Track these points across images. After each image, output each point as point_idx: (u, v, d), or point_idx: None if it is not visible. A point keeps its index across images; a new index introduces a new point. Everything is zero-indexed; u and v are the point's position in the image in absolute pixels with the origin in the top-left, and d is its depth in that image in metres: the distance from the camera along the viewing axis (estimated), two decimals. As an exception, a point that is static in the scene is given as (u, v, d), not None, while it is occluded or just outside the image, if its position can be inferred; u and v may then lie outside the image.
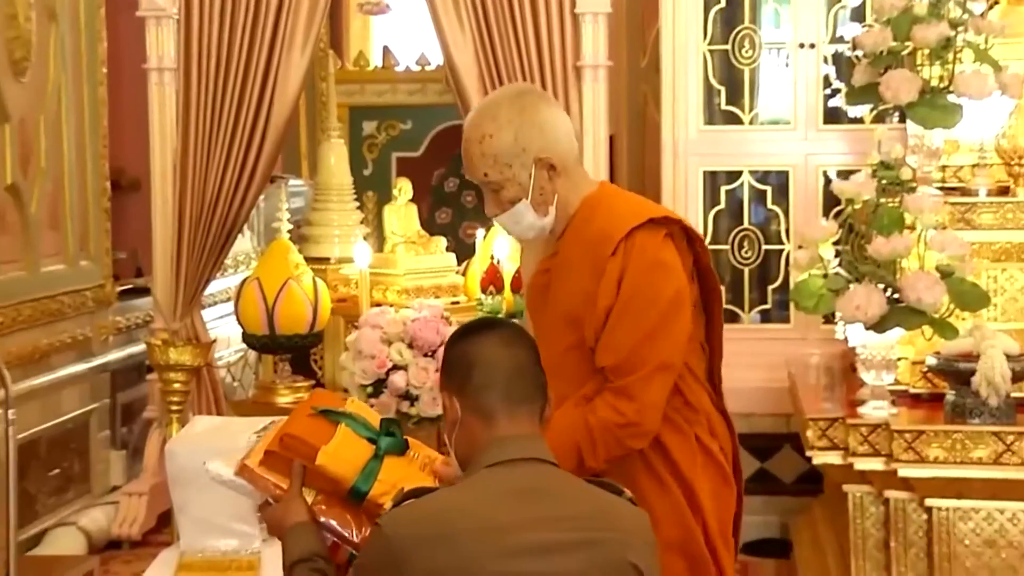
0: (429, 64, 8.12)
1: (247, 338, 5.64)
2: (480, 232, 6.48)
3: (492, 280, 5.15)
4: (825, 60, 5.97)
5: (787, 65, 6.00)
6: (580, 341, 2.83)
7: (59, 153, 6.14)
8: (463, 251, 6.40)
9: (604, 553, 2.24)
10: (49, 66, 6.02)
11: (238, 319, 5.59)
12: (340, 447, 2.53)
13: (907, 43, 4.77)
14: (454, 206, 8.01)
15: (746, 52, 6.01)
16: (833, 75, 5.98)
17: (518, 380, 2.36)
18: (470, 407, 2.35)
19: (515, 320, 4.57)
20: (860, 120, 5.73)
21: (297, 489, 2.54)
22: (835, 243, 4.65)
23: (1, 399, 3.50)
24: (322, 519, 2.52)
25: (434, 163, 8.08)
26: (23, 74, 5.79)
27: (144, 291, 6.76)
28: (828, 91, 5.98)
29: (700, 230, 6.05)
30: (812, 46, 5.95)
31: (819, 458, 4.46)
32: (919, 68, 4.82)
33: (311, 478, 2.54)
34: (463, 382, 2.36)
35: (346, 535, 2.52)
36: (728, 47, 6.02)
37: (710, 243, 6.00)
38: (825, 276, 4.73)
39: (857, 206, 4.55)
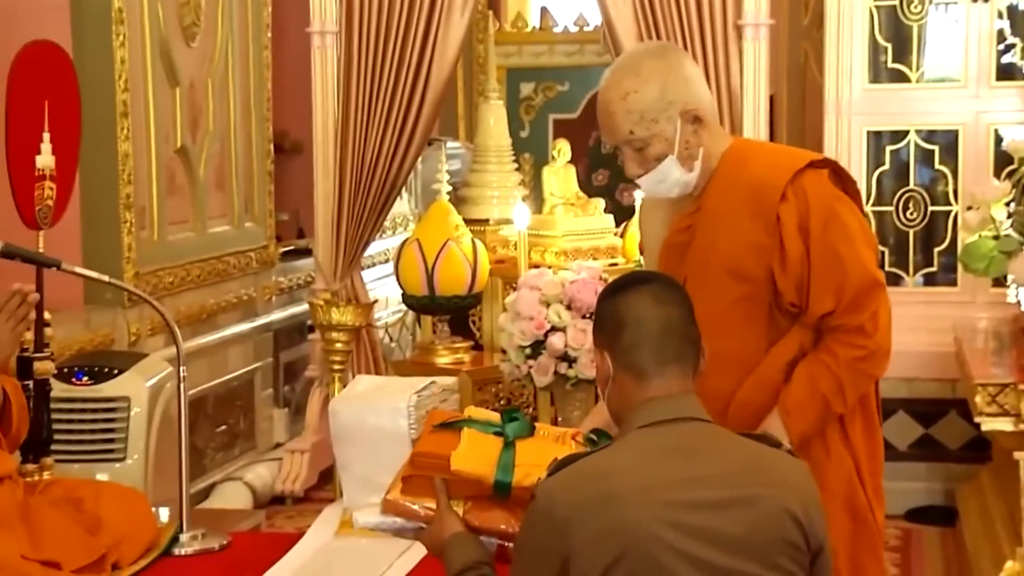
0: (587, 25, 8.07)
1: (407, 299, 5.68)
2: (637, 194, 6.43)
3: (651, 241, 5.10)
4: (1000, 15, 5.79)
5: (957, 21, 5.83)
6: (748, 294, 2.82)
7: (226, 116, 6.25)
8: (620, 213, 6.36)
9: (761, 508, 2.21)
10: (217, 31, 6.12)
11: (398, 280, 5.63)
12: (469, 448, 2.53)
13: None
14: (611, 168, 7.95)
15: (915, 7, 5.85)
16: (1008, 30, 5.80)
17: (669, 338, 2.34)
18: (621, 365, 2.34)
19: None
20: (1036, 77, 5.58)
21: (445, 504, 2.53)
22: (1007, 204, 4.52)
23: (174, 356, 3.58)
24: (477, 524, 2.52)
25: (591, 125, 7.94)
26: (193, 39, 5.90)
27: (306, 252, 6.86)
28: (1002, 47, 5.80)
29: (863, 192, 5.95)
30: (985, 0, 5.77)
31: (988, 424, 4.37)
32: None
33: (454, 489, 2.53)
34: (614, 339, 2.35)
35: (506, 531, 2.51)
36: (896, 2, 5.88)
37: (873, 204, 5.90)
38: (996, 238, 4.61)
39: (1032, 165, 4.42)
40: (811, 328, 2.83)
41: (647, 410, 2.31)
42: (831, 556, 2.31)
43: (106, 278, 3.77)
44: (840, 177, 2.90)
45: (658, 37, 5.41)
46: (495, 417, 2.63)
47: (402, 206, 7.29)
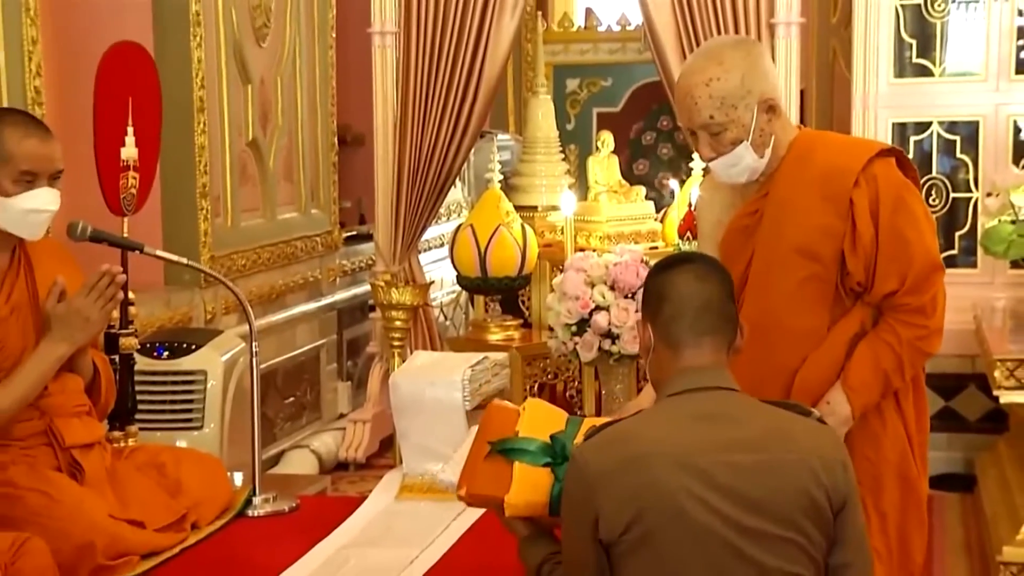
0: (629, 24, 8.04)
1: (461, 280, 5.69)
2: (673, 182, 6.42)
3: (689, 227, 5.09)
4: (1019, 13, 5.73)
5: (978, 18, 5.77)
6: (817, 273, 2.81)
7: (293, 111, 6.27)
8: (659, 200, 6.34)
9: (783, 472, 2.21)
10: (286, 32, 6.14)
11: (453, 263, 5.65)
12: (521, 489, 2.51)
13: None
14: (651, 158, 7.94)
15: (938, 6, 5.79)
16: (1028, 26, 5.75)
17: (705, 313, 2.35)
18: (660, 336, 2.37)
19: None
20: (1054, 71, 5.51)
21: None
22: (1026, 190, 4.48)
23: (246, 333, 3.61)
24: (544, 522, 2.53)
25: (633, 118, 8.02)
26: (263, 40, 5.92)
27: (367, 237, 6.88)
28: (1021, 42, 5.74)
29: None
30: (1007, -1, 5.72)
31: (1006, 397, 4.34)
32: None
33: None
34: (656, 313, 2.38)
35: None
36: (920, 1, 5.82)
37: (898, 191, 5.83)
38: (1014, 222, 4.57)
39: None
40: (873, 307, 2.83)
41: (679, 379, 2.33)
42: (859, 510, 2.29)
43: (184, 261, 3.80)
44: (904, 165, 2.90)
45: (695, 36, 5.39)
46: (553, 420, 2.58)
47: (456, 194, 7.30)
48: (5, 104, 4.12)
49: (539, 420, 2.59)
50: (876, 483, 2.81)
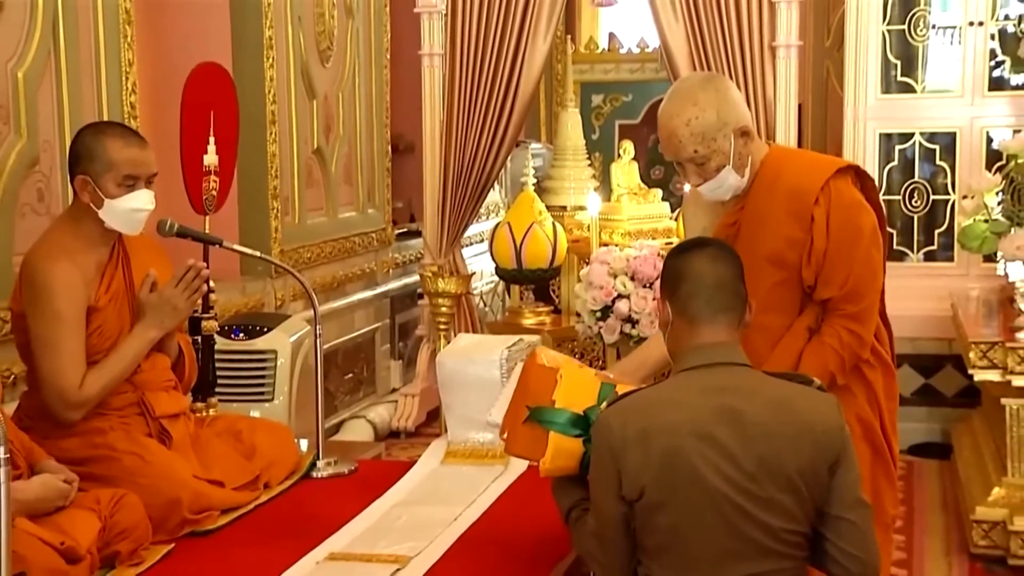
0: (647, 47, 8.00)
1: (499, 271, 5.69)
2: (687, 186, 6.37)
3: (699, 225, 5.07)
4: (992, 37, 5.69)
5: (957, 42, 5.72)
6: (785, 278, 2.80)
7: (352, 123, 6.28)
8: (674, 201, 6.31)
9: (786, 438, 2.19)
10: (346, 53, 6.15)
11: (492, 256, 5.64)
12: (555, 455, 2.50)
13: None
14: (666, 164, 7.88)
15: (920, 31, 5.75)
16: (999, 49, 5.70)
17: (719, 291, 2.31)
18: (678, 311, 2.33)
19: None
20: (1022, 88, 5.48)
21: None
22: (997, 193, 4.43)
23: (311, 317, 3.61)
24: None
25: (651, 129, 7.97)
26: (327, 60, 5.94)
27: (416, 233, 6.88)
28: (993, 63, 5.69)
29: (876, 184, 5.86)
30: (980, 24, 5.66)
31: (980, 376, 4.31)
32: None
33: None
34: (674, 289, 2.34)
35: None
36: (904, 27, 5.78)
37: (884, 194, 5.81)
38: (987, 221, 4.53)
39: (1020, 160, 4.32)
40: (820, 306, 2.82)
41: (695, 354, 2.29)
42: (851, 467, 2.27)
43: (258, 254, 3.82)
44: (860, 177, 2.87)
45: (706, 57, 5.36)
46: (588, 385, 2.55)
47: (494, 196, 7.29)
48: (106, 117, 4.14)
49: (575, 389, 2.55)
50: None
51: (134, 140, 3.13)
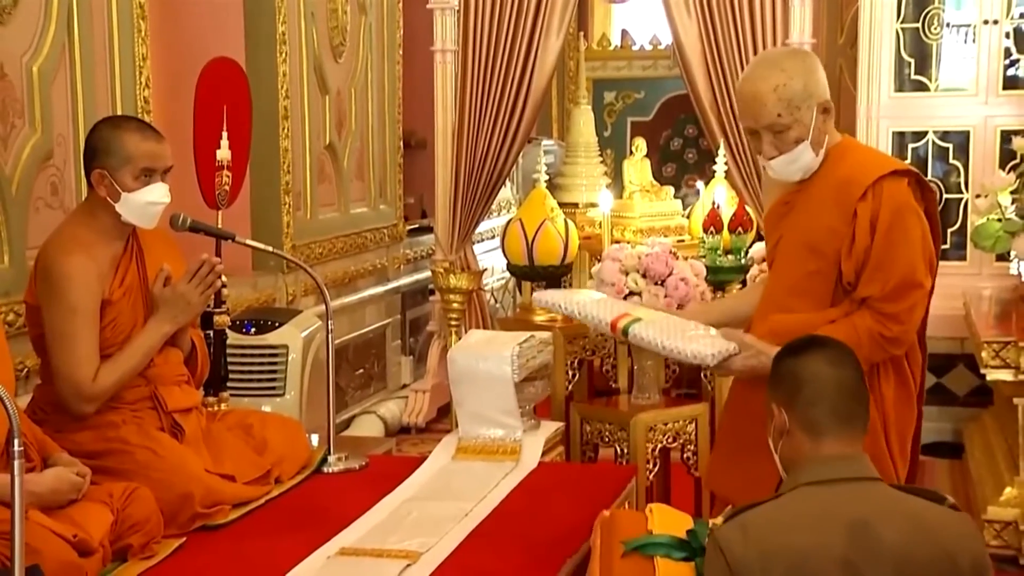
0: (660, 44, 7.99)
1: (511, 267, 5.66)
2: (699, 183, 6.38)
3: (712, 222, 5.04)
4: (1007, 35, 5.67)
5: (972, 40, 5.70)
6: (821, 268, 2.78)
7: (365, 118, 6.29)
8: (686, 199, 6.31)
9: (921, 567, 2.01)
10: (359, 49, 6.16)
11: (503, 252, 5.62)
12: None
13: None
14: (678, 162, 7.92)
15: (934, 29, 5.74)
16: (1013, 48, 5.67)
17: (845, 398, 2.15)
18: (798, 420, 2.15)
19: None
20: (1036, 86, 5.44)
21: None
22: (1011, 192, 4.42)
23: (323, 312, 3.62)
24: None
25: (662, 126, 7.99)
26: (340, 56, 5.95)
27: (427, 229, 6.89)
28: (1007, 61, 5.68)
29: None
30: (995, 22, 5.65)
31: (992, 375, 4.29)
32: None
33: None
34: (792, 395, 2.17)
35: None
36: (918, 24, 5.77)
37: (897, 192, 5.81)
38: (1000, 220, 4.51)
39: (1034, 160, 4.32)
40: (857, 304, 2.77)
41: (819, 467, 2.11)
42: None
43: (270, 248, 3.82)
44: (920, 185, 2.82)
45: (719, 55, 5.34)
46: (683, 521, 2.41)
47: (506, 192, 7.29)
48: (120, 111, 4.15)
49: (668, 521, 2.43)
50: None
51: (151, 134, 3.14)
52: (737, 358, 2.77)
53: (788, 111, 2.73)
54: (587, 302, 3.23)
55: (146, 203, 3.10)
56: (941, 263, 5.74)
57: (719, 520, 2.15)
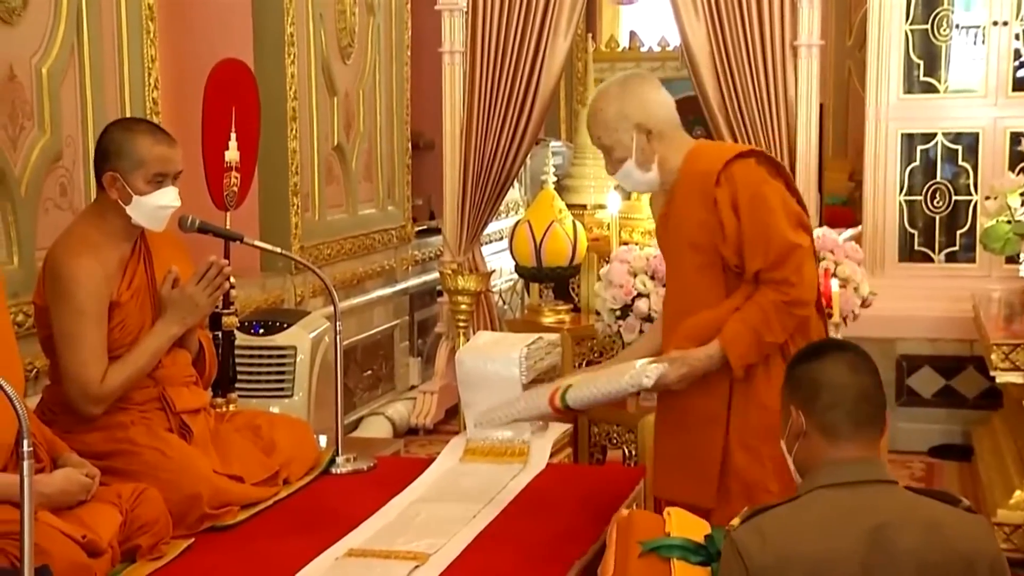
0: (668, 45, 7.95)
1: (519, 269, 5.68)
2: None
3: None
4: (1017, 37, 5.66)
5: (982, 42, 5.70)
6: (705, 262, 2.95)
7: (373, 120, 6.29)
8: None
9: (937, 567, 2.00)
10: (367, 50, 6.16)
11: (512, 254, 5.63)
12: None
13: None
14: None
15: (943, 30, 5.73)
16: (1022, 49, 5.67)
17: (864, 403, 2.14)
18: (816, 424, 2.15)
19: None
20: (1047, 88, 5.44)
21: None
22: (1021, 194, 4.41)
23: (331, 314, 3.62)
24: None
25: (670, 127, 7.96)
26: (348, 58, 5.95)
27: (436, 231, 6.89)
28: (1017, 63, 5.66)
29: (896, 184, 5.85)
30: (1005, 23, 5.64)
31: (1002, 377, 4.27)
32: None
33: None
34: (811, 400, 2.16)
35: None
36: (927, 26, 5.76)
37: (905, 195, 5.84)
38: (1010, 222, 4.50)
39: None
40: (753, 283, 2.92)
41: (835, 470, 2.11)
42: None
43: (278, 250, 3.82)
44: (769, 161, 3.00)
45: (727, 57, 5.34)
46: (701, 527, 2.41)
47: (514, 194, 7.29)
48: (129, 113, 4.16)
49: (686, 525, 2.43)
50: (771, 432, 2.57)
51: (163, 137, 3.15)
52: (670, 372, 2.91)
53: (607, 133, 2.99)
54: (515, 404, 3.30)
55: (157, 207, 3.11)
56: (950, 265, 5.82)
57: (736, 521, 2.14)
